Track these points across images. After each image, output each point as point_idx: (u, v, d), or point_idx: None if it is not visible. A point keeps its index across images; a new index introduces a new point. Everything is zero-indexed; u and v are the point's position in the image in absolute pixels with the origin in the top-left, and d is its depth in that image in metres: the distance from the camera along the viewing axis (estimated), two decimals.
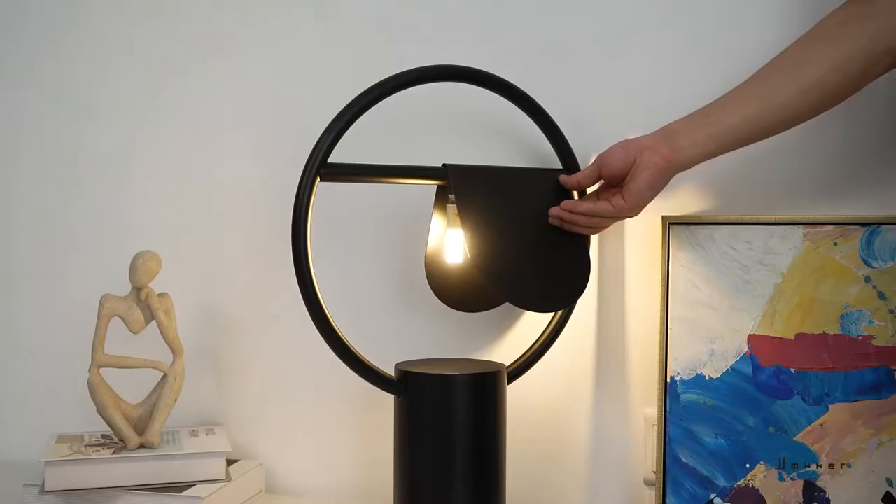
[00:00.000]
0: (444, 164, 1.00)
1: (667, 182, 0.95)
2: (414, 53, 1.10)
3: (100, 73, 1.26)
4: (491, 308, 1.08)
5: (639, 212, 0.98)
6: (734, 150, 0.94)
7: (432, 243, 1.06)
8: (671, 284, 1.06)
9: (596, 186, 1.02)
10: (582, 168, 1.04)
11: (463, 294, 1.07)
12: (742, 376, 1.05)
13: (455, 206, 0.99)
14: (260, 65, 1.21)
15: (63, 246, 1.27)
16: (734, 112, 0.92)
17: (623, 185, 0.96)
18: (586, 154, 1.10)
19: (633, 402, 1.13)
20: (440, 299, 1.06)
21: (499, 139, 1.14)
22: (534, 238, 1.01)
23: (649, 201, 0.96)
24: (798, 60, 0.91)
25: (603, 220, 1.00)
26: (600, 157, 0.98)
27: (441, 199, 1.05)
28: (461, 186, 0.99)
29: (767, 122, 0.92)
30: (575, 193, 1.04)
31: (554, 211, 1.01)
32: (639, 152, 0.94)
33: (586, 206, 0.99)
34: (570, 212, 0.99)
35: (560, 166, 1.07)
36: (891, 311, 1.03)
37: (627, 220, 1.12)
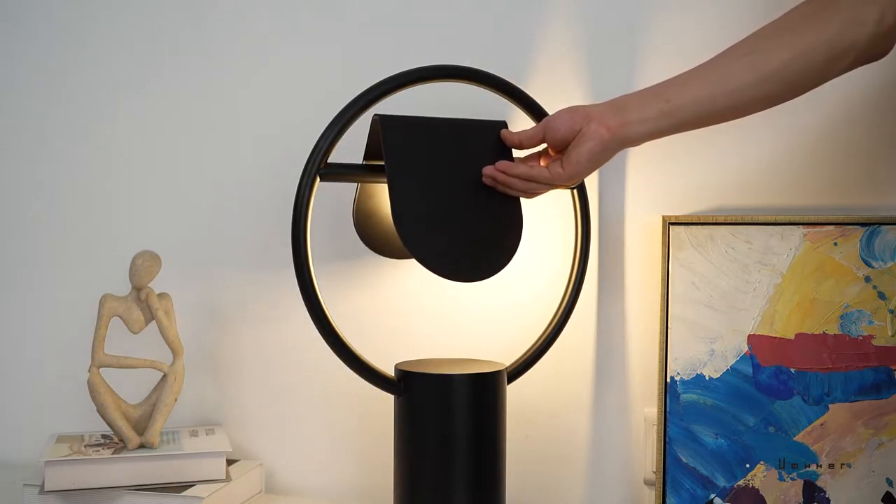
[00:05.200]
0: (375, 115, 0.98)
1: (610, 157, 0.92)
2: (414, 53, 1.10)
3: (99, 73, 1.26)
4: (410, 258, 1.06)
5: (575, 183, 0.96)
6: (685, 131, 0.91)
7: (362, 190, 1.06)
8: (671, 284, 1.06)
9: (538, 149, 0.99)
10: None
11: (388, 242, 1.07)
12: (742, 376, 1.05)
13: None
14: (260, 65, 1.21)
15: (63, 246, 1.27)
16: (689, 92, 0.89)
17: (565, 154, 0.93)
18: None
19: (633, 402, 1.13)
20: (366, 245, 1.07)
21: None
22: (464, 198, 0.96)
23: (588, 174, 0.94)
24: (760, 48, 0.88)
25: (538, 187, 0.96)
26: (546, 120, 0.94)
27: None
28: (393, 138, 0.96)
29: (721, 106, 0.89)
30: (515, 152, 1.01)
31: (488, 170, 0.97)
32: (585, 121, 0.91)
33: (522, 169, 0.95)
34: (505, 173, 0.96)
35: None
36: (891, 311, 1.03)
37: (627, 221, 1.12)
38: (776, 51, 0.87)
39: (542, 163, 0.97)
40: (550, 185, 0.95)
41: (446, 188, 0.96)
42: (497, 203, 0.98)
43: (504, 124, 1.01)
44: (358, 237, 1.09)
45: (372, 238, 1.09)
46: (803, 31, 0.87)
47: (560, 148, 0.94)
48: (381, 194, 1.07)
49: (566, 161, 0.92)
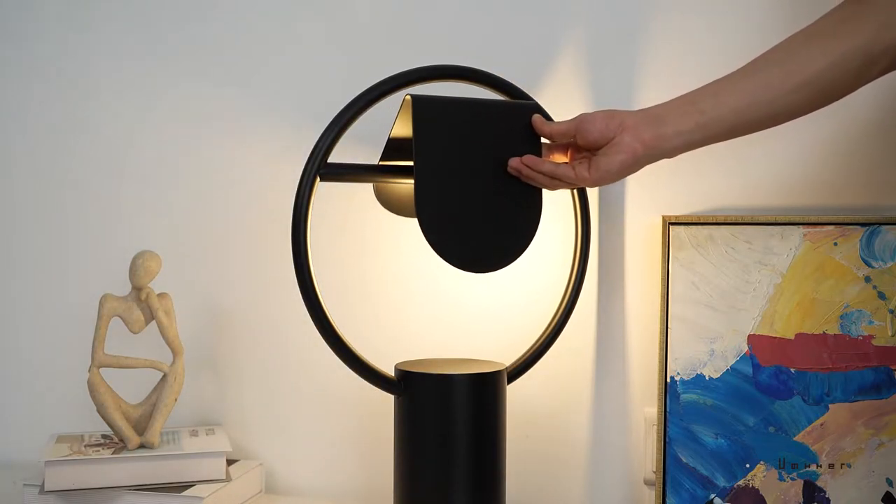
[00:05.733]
0: (407, 94, 0.96)
1: (640, 168, 0.92)
2: (414, 53, 1.10)
3: (100, 73, 1.26)
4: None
5: (599, 185, 0.95)
6: (718, 142, 0.91)
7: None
8: (671, 284, 1.06)
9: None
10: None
11: (405, 207, 1.07)
12: (742, 376, 1.05)
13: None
14: (260, 65, 1.21)
15: (63, 246, 1.27)
16: (725, 102, 0.88)
17: (593, 156, 0.92)
18: None
19: (633, 402, 1.13)
20: (382, 205, 1.07)
21: None
22: (487, 183, 0.96)
23: (614, 181, 0.94)
24: (794, 55, 0.88)
25: (562, 184, 0.96)
26: (581, 120, 0.93)
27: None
28: (423, 119, 0.94)
29: (758, 115, 0.89)
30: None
31: (514, 162, 0.95)
32: (619, 130, 0.90)
33: (548, 167, 0.94)
34: (531, 168, 0.95)
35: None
36: (891, 311, 1.03)
37: (627, 221, 1.12)
38: (811, 58, 0.86)
39: (568, 157, 0.96)
40: (574, 185, 0.95)
41: (471, 173, 0.96)
42: (518, 191, 0.97)
43: (536, 107, 0.99)
44: (376, 203, 1.09)
45: (390, 200, 1.07)
46: (838, 36, 0.86)
47: (589, 148, 0.93)
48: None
49: (594, 167, 0.92)
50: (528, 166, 0.95)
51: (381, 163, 1.04)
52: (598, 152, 0.92)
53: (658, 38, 1.11)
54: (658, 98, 1.09)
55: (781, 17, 1.07)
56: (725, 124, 0.89)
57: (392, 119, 1.05)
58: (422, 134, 0.94)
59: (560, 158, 0.97)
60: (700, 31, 1.10)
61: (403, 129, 0.99)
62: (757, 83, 0.88)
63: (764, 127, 0.90)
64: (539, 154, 0.97)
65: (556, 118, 1.06)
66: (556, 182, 0.95)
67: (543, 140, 0.98)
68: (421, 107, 0.95)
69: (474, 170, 0.96)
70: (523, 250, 0.97)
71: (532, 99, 1.03)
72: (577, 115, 0.95)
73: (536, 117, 0.97)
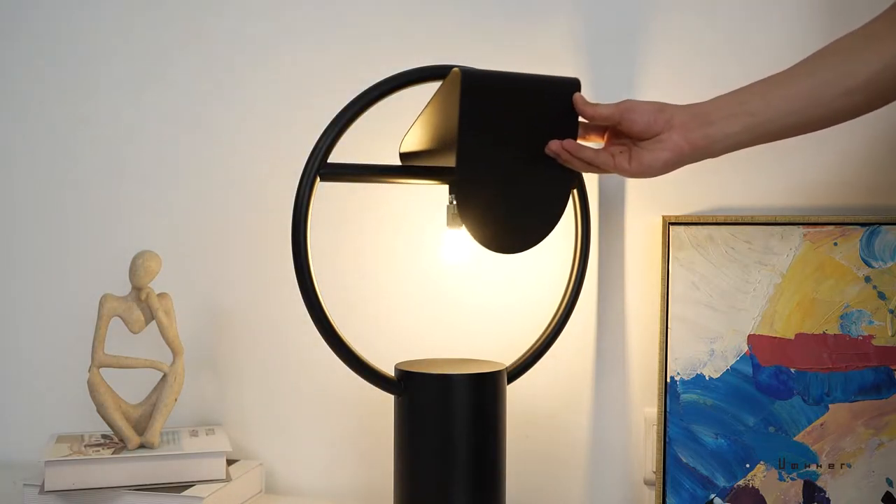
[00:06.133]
0: (455, 68, 0.92)
1: (682, 166, 0.90)
2: (414, 53, 1.10)
3: (100, 73, 1.26)
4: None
5: (636, 178, 0.93)
6: (763, 143, 0.88)
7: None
8: (671, 284, 1.06)
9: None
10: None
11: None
12: (742, 376, 1.05)
13: (455, 189, 0.95)
14: (260, 65, 1.21)
15: (63, 246, 1.27)
16: (776, 105, 0.85)
17: (635, 147, 0.90)
18: None
19: (633, 402, 1.13)
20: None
21: None
22: (523, 162, 0.94)
23: (654, 176, 0.91)
24: (848, 57, 0.85)
25: (598, 170, 0.94)
26: (627, 108, 0.90)
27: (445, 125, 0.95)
28: (470, 96, 0.91)
29: (811, 118, 0.86)
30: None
31: (555, 146, 0.93)
32: (666, 127, 0.88)
33: (588, 154, 0.92)
34: (571, 153, 0.92)
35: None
36: (891, 311, 1.03)
37: (627, 221, 1.12)
38: (866, 60, 0.84)
39: (604, 139, 0.94)
40: (610, 173, 0.93)
41: (507, 149, 0.93)
42: (549, 169, 0.95)
43: (576, 84, 0.95)
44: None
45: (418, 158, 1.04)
46: (893, 38, 0.84)
47: (631, 137, 0.90)
48: (433, 134, 1.02)
49: (636, 160, 0.89)
50: (568, 151, 0.92)
51: (401, 150, 1.04)
52: (641, 144, 0.89)
53: (658, 38, 1.11)
54: (657, 96, 1.09)
55: (783, 15, 1.07)
56: (775, 126, 0.86)
57: (390, 119, 1.05)
58: (467, 109, 0.91)
59: (595, 139, 0.95)
60: (701, 30, 1.10)
61: (444, 103, 0.96)
62: (809, 85, 0.85)
63: (815, 129, 0.88)
64: (575, 132, 0.94)
65: None
66: (593, 168, 0.93)
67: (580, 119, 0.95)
68: (469, 80, 0.90)
69: (510, 146, 0.93)
70: (549, 232, 0.97)
71: None
72: (622, 100, 0.92)
73: (578, 96, 0.93)
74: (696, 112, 0.88)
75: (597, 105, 0.92)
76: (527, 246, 0.97)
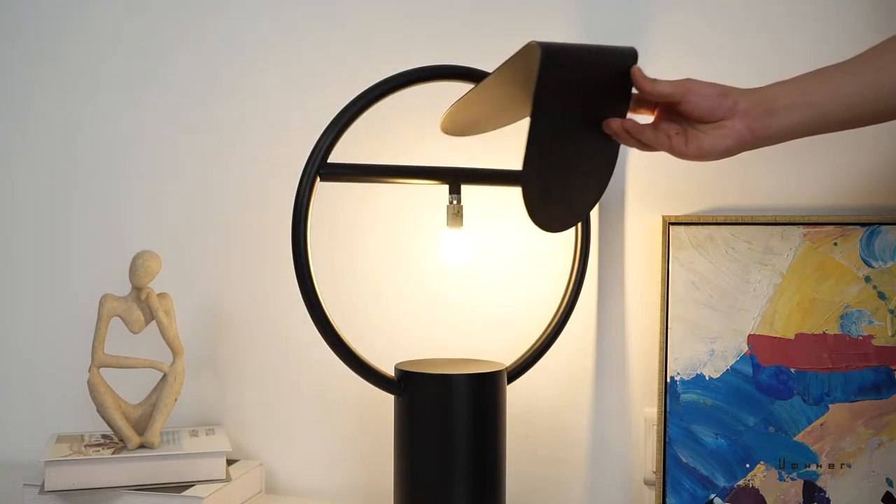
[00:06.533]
0: (532, 41, 0.85)
1: (739, 153, 0.87)
2: (414, 53, 1.10)
3: (100, 73, 1.26)
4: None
5: (691, 161, 0.89)
6: (817, 135, 0.86)
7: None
8: (671, 284, 1.06)
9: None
10: None
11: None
12: (742, 376, 1.05)
13: (457, 206, 0.96)
14: (260, 64, 1.21)
15: (63, 246, 1.27)
16: (841, 99, 0.83)
17: (691, 129, 0.86)
18: None
19: (633, 402, 1.13)
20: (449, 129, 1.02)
21: (498, 138, 1.14)
22: (579, 135, 0.88)
23: (710, 161, 0.88)
24: None
25: (652, 151, 0.90)
26: (689, 89, 0.85)
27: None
28: (547, 70, 0.84)
29: (870, 112, 0.83)
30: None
31: (615, 126, 0.88)
32: (730, 114, 0.84)
33: (648, 136, 0.88)
34: (629, 133, 0.88)
35: None
36: (891, 311, 1.03)
37: (627, 221, 1.12)
38: None
39: (655, 115, 0.90)
40: (664, 152, 0.90)
41: (570, 125, 0.88)
42: (600, 145, 0.90)
43: (634, 55, 0.88)
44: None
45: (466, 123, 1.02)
46: None
47: (688, 118, 0.87)
48: (488, 110, 0.99)
49: (694, 143, 0.86)
50: (626, 131, 0.89)
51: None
52: (700, 127, 0.86)
53: (659, 38, 1.11)
54: None
55: (784, 14, 1.07)
56: (835, 119, 0.84)
57: (390, 119, 1.05)
58: (545, 83, 0.84)
59: (644, 113, 0.91)
60: (702, 30, 1.10)
61: (512, 76, 0.91)
62: (870, 80, 0.83)
63: (879, 121, 0.85)
64: (627, 103, 0.90)
65: None
66: (647, 148, 0.90)
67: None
68: (548, 54, 0.83)
69: (570, 121, 0.88)
70: (591, 209, 0.93)
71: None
72: (683, 78, 0.87)
73: (636, 69, 0.88)
74: (759, 99, 0.85)
75: (656, 81, 0.87)
76: (575, 221, 0.93)
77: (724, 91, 0.85)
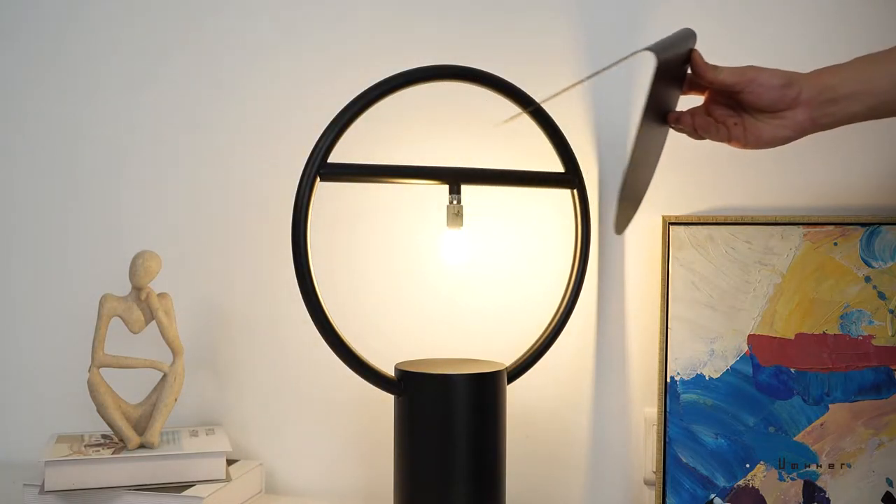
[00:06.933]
0: (646, 49, 0.81)
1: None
2: (414, 53, 1.10)
3: (100, 73, 1.26)
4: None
5: (748, 149, 0.87)
6: (871, 120, 0.84)
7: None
8: (671, 284, 1.06)
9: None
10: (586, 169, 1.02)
11: None
12: (742, 376, 1.05)
13: (457, 206, 0.97)
14: (260, 64, 1.21)
15: (63, 246, 1.27)
16: None
17: (749, 118, 0.84)
18: (585, 154, 1.10)
19: (633, 402, 1.13)
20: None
21: (499, 138, 1.14)
22: (649, 129, 0.85)
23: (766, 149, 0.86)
24: None
25: (702, 137, 0.88)
26: (752, 79, 0.83)
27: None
28: (657, 78, 0.81)
29: None
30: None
31: (685, 120, 0.87)
32: (793, 104, 0.82)
33: (710, 129, 0.86)
34: (696, 129, 0.86)
35: (561, 168, 1.06)
36: (891, 311, 1.03)
37: None
38: None
39: (705, 96, 0.87)
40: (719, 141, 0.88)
41: (655, 121, 0.86)
42: (658, 135, 0.88)
43: (694, 38, 0.85)
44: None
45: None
46: None
47: (749, 108, 0.85)
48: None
49: (753, 133, 0.84)
50: (693, 127, 0.87)
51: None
52: (759, 116, 0.84)
53: (659, 36, 1.10)
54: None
55: (785, 9, 1.07)
56: (889, 109, 0.82)
57: (390, 119, 1.05)
58: (653, 91, 0.81)
59: (695, 94, 0.90)
60: (701, 30, 1.09)
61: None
62: None
63: None
64: (681, 86, 0.88)
65: (556, 118, 1.06)
66: (699, 136, 0.88)
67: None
68: (661, 67, 0.80)
69: (655, 118, 0.86)
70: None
71: (532, 99, 1.03)
72: (745, 65, 0.85)
73: (697, 55, 0.86)
74: (821, 88, 0.83)
75: (717, 69, 0.85)
76: (632, 215, 0.90)
77: (788, 81, 0.83)
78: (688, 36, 0.85)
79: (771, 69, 0.84)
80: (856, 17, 1.06)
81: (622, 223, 0.87)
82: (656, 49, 0.79)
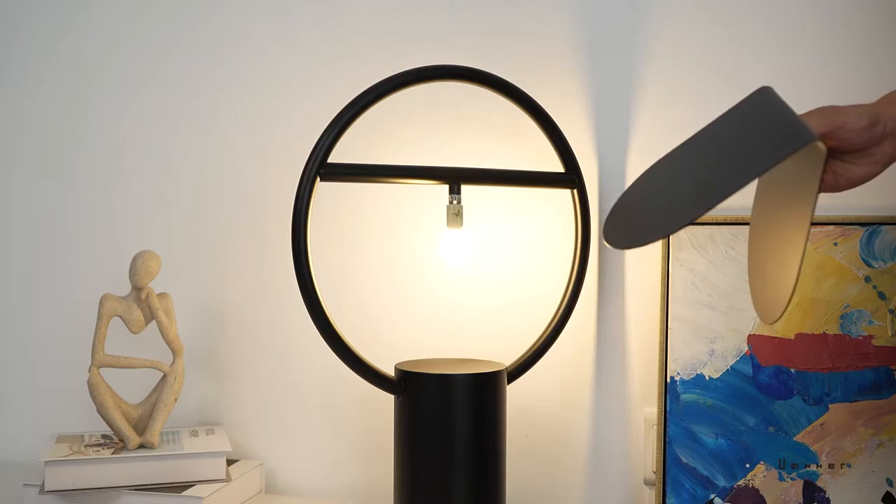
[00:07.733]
0: (764, 87, 0.80)
1: None
2: (414, 53, 1.10)
3: (98, 73, 1.26)
4: None
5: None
6: None
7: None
8: (671, 284, 1.06)
9: None
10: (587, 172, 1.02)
11: None
12: (742, 376, 1.05)
13: (457, 206, 0.97)
14: (260, 64, 1.21)
15: (63, 246, 1.27)
16: None
17: (837, 161, 0.80)
18: (585, 155, 1.10)
19: (633, 402, 1.13)
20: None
21: (500, 138, 1.14)
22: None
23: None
24: None
25: None
26: (839, 125, 0.78)
27: None
28: None
29: None
30: None
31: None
32: (880, 140, 0.78)
33: None
34: None
35: (561, 168, 1.06)
36: (891, 311, 1.03)
37: None
38: None
39: None
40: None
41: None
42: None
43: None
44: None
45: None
46: None
47: (835, 151, 0.80)
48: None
49: (844, 177, 0.81)
50: None
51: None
52: (847, 157, 0.80)
53: (659, 38, 1.11)
54: (658, 96, 1.09)
55: (789, 12, 1.07)
56: None
57: (390, 119, 1.05)
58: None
59: None
60: (700, 30, 1.10)
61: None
62: None
63: None
64: None
65: (556, 119, 1.06)
66: None
67: None
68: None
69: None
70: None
71: (532, 99, 1.03)
72: (826, 106, 0.80)
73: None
74: None
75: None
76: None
77: (873, 119, 0.78)
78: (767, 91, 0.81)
79: (854, 110, 0.79)
80: (863, 17, 1.06)
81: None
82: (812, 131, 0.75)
